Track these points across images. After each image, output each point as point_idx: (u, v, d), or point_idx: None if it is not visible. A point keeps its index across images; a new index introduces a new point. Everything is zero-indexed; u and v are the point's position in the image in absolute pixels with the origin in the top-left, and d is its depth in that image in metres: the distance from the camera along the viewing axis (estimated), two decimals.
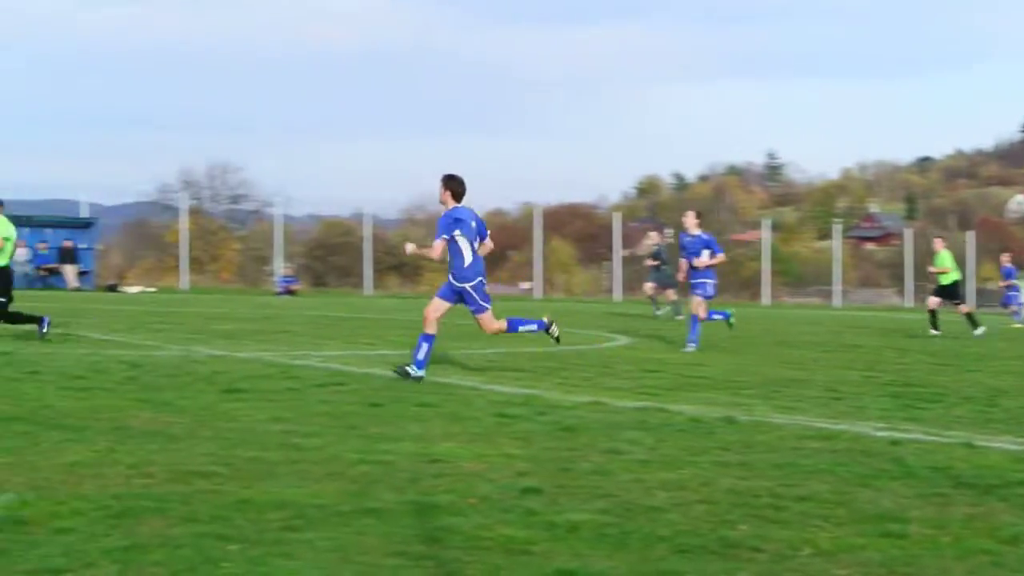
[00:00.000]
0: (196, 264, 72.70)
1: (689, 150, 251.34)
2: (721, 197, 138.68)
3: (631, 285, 71.59)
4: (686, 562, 7.14)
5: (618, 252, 74.56)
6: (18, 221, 56.84)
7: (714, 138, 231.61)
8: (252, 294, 60.63)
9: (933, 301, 35.83)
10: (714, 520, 8.21)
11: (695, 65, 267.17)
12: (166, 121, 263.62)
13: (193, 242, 70.60)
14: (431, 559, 6.99)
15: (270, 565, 6.72)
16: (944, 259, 35.87)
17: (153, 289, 59.73)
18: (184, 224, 68.55)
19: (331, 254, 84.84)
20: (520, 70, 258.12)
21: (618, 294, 72.86)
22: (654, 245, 43.49)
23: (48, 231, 57.35)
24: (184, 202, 72.03)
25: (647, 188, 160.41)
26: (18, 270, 53.56)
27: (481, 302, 17.55)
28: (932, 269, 36.51)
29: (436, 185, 17.38)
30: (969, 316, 36.40)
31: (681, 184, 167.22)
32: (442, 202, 17.39)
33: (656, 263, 41.99)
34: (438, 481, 9.30)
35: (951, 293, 35.82)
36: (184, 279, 65.29)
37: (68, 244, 56.11)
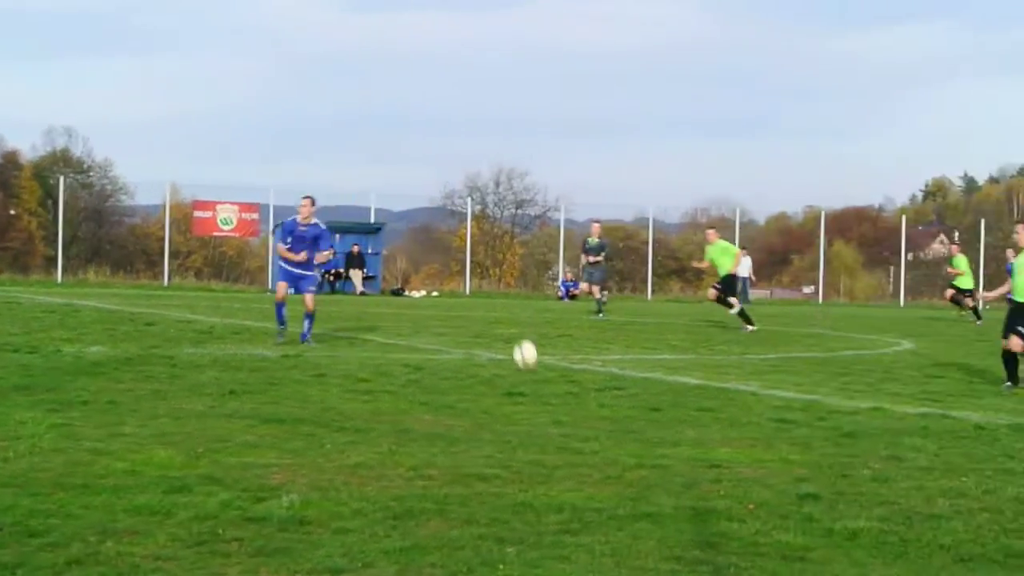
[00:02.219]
0: (480, 269, 73.66)
1: (980, 151, 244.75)
2: (1012, 200, 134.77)
3: (917, 290, 70.21)
4: (968, 572, 6.97)
5: (904, 256, 73.12)
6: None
7: (1006, 138, 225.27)
8: (534, 299, 61.08)
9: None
10: (997, 529, 8.00)
11: (985, 63, 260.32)
12: (454, 127, 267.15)
13: (477, 247, 71.57)
14: (707, 564, 6.95)
15: (546, 568, 6.76)
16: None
17: (437, 293, 60.64)
18: (469, 229, 69.44)
19: (613, 259, 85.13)
20: (803, 74, 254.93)
21: (906, 298, 71.49)
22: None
23: (336, 236, 58.66)
24: (469, 207, 72.99)
25: (935, 190, 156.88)
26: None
27: None
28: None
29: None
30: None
31: (971, 186, 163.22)
32: None
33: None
34: (715, 486, 9.24)
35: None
36: (468, 284, 66.13)
37: (356, 249, 57.29)
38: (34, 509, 7.73)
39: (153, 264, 67.37)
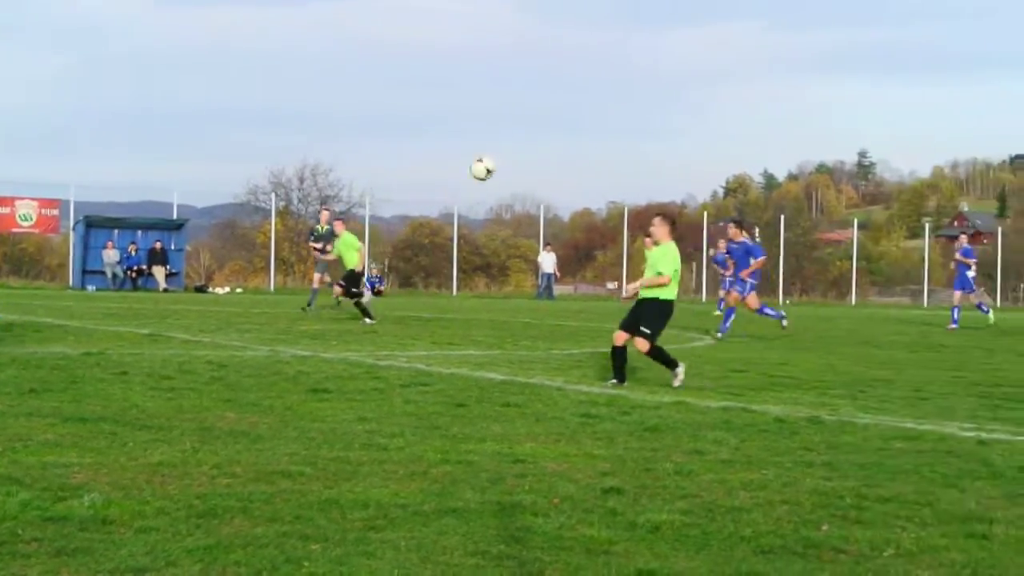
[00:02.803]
0: (284, 265, 73.18)
1: (780, 149, 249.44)
2: (811, 196, 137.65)
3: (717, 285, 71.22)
4: (768, 563, 7.11)
5: (705, 252, 74.21)
6: (110, 223, 57.61)
7: (805, 137, 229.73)
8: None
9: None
10: (797, 521, 8.17)
11: (787, 64, 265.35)
12: (259, 123, 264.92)
13: (282, 243, 71.05)
14: (512, 559, 7.00)
15: (352, 565, 6.75)
16: None
17: (241, 290, 60.12)
18: (273, 225, 68.97)
19: (418, 254, 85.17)
20: (609, 70, 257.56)
21: (708, 294, 72.62)
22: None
23: (139, 232, 57.86)
24: (274, 203, 72.49)
25: (735, 187, 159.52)
26: (108, 271, 54.35)
27: None
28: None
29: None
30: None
31: (771, 183, 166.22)
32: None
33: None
34: (520, 481, 9.31)
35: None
36: (272, 280, 65.69)
37: (158, 245, 56.60)
38: None
39: None
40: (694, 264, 75.69)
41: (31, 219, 57.67)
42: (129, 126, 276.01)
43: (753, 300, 30.03)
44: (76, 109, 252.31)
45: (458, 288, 70.20)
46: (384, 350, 21.59)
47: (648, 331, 16.81)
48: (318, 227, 35.50)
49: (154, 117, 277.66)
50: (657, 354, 16.90)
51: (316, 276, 36.09)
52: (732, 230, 31.65)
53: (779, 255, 73.74)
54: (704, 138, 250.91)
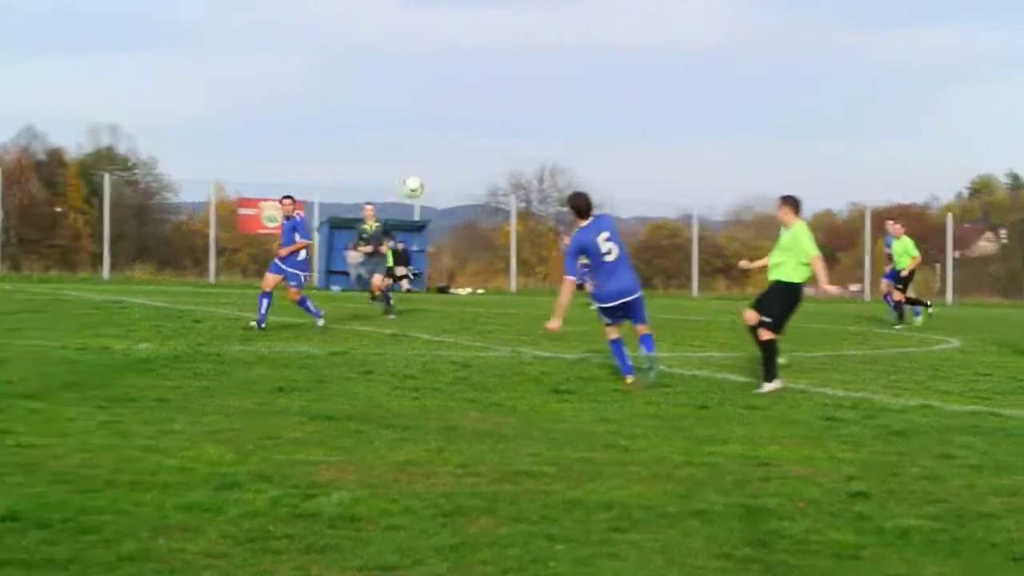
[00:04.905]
0: (525, 266, 73.58)
1: None
2: None
3: (965, 288, 69.82)
4: (1021, 570, 6.92)
5: (950, 253, 72.64)
6: (349, 224, 58.62)
7: None
8: (579, 296, 60.92)
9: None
10: None
11: None
12: (498, 125, 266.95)
13: (522, 244, 71.46)
14: (758, 562, 6.94)
15: (596, 566, 6.75)
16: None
17: (482, 291, 60.62)
18: (513, 226, 69.39)
19: (658, 256, 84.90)
20: (849, 69, 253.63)
21: (953, 296, 71.09)
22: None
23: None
24: (514, 205, 72.93)
25: (980, 187, 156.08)
26: (351, 272, 55.27)
27: None
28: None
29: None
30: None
31: (1016, 183, 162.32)
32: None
33: None
34: (765, 484, 9.22)
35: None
36: (513, 281, 66.09)
37: (400, 247, 57.32)
38: (86, 506, 7.77)
39: (199, 261, 67.43)
40: (938, 266, 74.08)
41: (276, 220, 58.81)
42: (371, 128, 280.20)
43: None
44: (318, 110, 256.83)
45: (699, 290, 69.82)
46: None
47: (769, 319, 15.94)
48: (365, 227, 32.83)
49: (398, 120, 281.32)
50: (768, 350, 15.96)
51: (378, 278, 32.99)
52: None
53: None
54: (947, 138, 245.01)
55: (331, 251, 57.56)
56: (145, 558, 6.67)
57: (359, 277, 55.82)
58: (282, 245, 25.85)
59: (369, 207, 32.19)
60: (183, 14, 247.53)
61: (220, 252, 65.01)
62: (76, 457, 9.52)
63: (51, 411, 11.83)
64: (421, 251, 59.62)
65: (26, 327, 22.77)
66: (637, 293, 16.47)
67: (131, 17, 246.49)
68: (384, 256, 32.66)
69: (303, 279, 25.45)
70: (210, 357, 17.74)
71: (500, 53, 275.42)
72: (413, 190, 24.29)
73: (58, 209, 77.86)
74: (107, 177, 64.00)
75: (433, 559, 6.81)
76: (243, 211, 60.67)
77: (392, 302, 31.45)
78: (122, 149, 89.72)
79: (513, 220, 69.97)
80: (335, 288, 54.88)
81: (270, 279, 25.43)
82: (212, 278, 59.60)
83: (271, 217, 58.07)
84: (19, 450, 9.76)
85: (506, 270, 68.33)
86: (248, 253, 74.93)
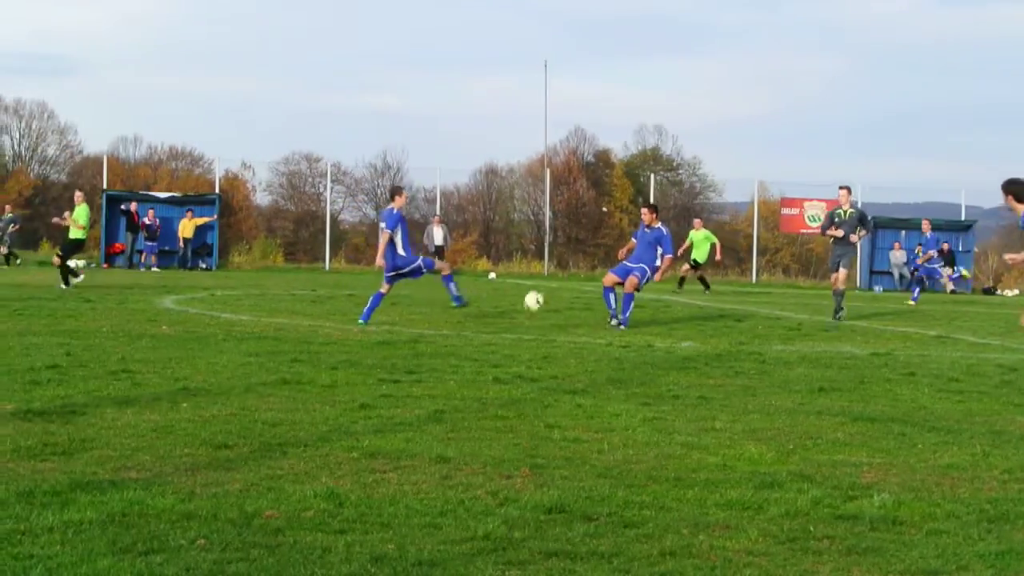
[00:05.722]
0: None
1: None
2: None
3: None
4: None
5: None
6: (896, 224, 57.69)
7: None
8: None
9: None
10: None
11: None
12: None
13: None
14: None
15: None
16: None
17: None
18: None
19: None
20: None
21: None
22: None
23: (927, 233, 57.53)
24: None
25: None
26: (895, 272, 54.49)
27: None
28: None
29: None
30: None
31: None
32: None
33: None
34: None
35: None
36: None
37: (946, 247, 56.08)
38: (629, 500, 7.99)
39: (741, 261, 67.95)
40: None
41: (819, 220, 58.66)
42: (908, 126, 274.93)
43: None
44: (862, 109, 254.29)
45: None
46: None
47: None
48: (840, 211, 26.56)
49: (936, 117, 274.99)
50: None
51: (843, 273, 27.84)
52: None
53: None
54: None
55: (874, 251, 56.94)
56: (686, 554, 6.81)
57: (901, 277, 55.06)
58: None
59: (843, 190, 27.62)
60: (729, 16, 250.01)
61: (762, 252, 65.32)
62: (620, 452, 9.80)
63: (596, 407, 12.20)
64: (968, 251, 58.17)
65: (572, 324, 23.52)
66: None
67: (678, 22, 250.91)
68: (854, 246, 27.92)
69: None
70: (751, 356, 17.89)
71: None
72: (529, 308, 24.20)
73: (604, 209, 79.86)
74: (652, 177, 65.29)
75: (977, 565, 6.69)
76: (785, 211, 60.79)
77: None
78: (667, 150, 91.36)
79: None
80: (877, 288, 54.26)
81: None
82: (753, 278, 59.94)
83: (813, 217, 57.91)
84: (566, 444, 10.12)
85: None
86: (790, 252, 74.95)
